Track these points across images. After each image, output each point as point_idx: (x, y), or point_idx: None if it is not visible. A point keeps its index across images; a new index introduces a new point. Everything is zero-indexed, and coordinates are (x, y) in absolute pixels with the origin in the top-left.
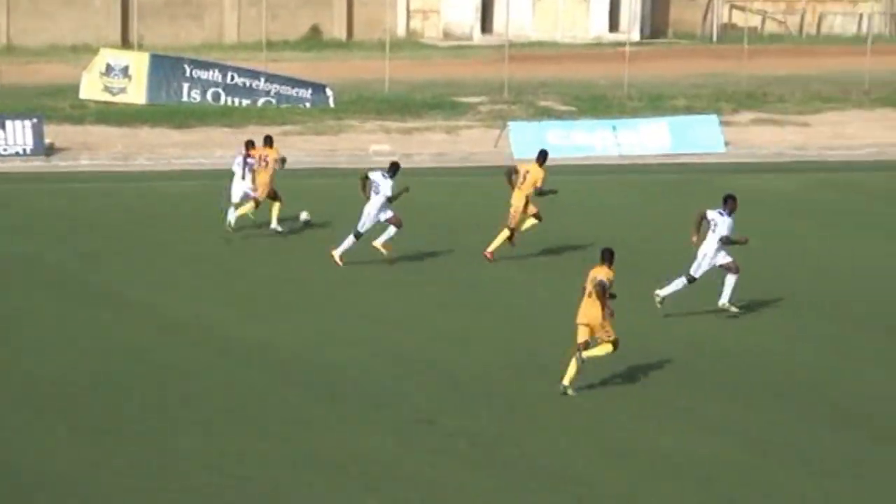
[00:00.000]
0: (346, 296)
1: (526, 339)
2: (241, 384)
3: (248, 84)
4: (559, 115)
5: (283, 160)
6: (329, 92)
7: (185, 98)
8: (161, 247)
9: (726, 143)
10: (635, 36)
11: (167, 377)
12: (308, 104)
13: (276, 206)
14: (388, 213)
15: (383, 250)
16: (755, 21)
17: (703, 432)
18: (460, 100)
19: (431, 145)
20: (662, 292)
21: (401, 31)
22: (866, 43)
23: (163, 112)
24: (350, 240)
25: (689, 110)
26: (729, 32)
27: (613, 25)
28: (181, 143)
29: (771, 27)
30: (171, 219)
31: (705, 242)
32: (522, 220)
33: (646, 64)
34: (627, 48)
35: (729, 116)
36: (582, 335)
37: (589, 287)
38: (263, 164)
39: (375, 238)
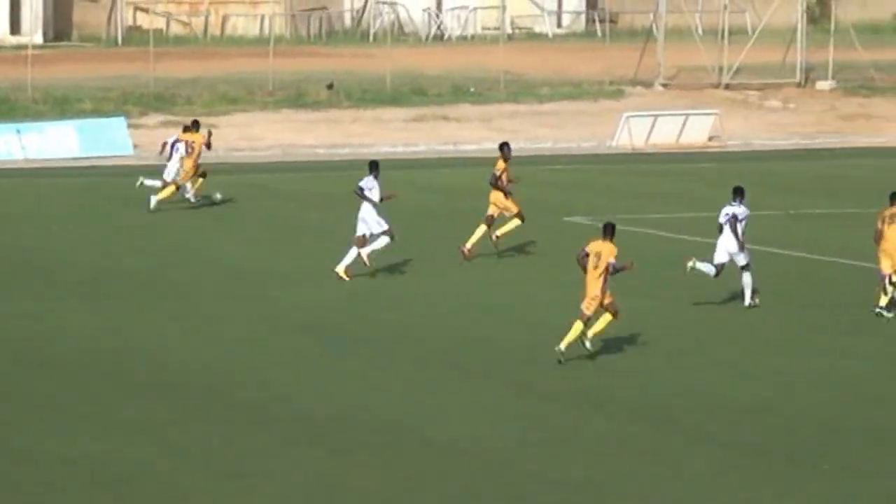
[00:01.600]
0: None
1: None
2: None
3: None
4: None
5: (209, 145)
6: None
7: None
8: None
9: (134, 146)
10: (38, 38)
11: None
12: None
13: (199, 181)
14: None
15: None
16: (160, 23)
17: (120, 436)
18: None
19: None
20: (748, 300)
21: None
22: (269, 44)
23: None
24: (384, 241)
25: (96, 113)
26: (134, 34)
27: (15, 28)
28: None
29: (176, 29)
30: None
31: (724, 235)
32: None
33: (50, 67)
34: (30, 51)
35: (137, 119)
36: (590, 308)
37: (594, 260)
38: (190, 149)
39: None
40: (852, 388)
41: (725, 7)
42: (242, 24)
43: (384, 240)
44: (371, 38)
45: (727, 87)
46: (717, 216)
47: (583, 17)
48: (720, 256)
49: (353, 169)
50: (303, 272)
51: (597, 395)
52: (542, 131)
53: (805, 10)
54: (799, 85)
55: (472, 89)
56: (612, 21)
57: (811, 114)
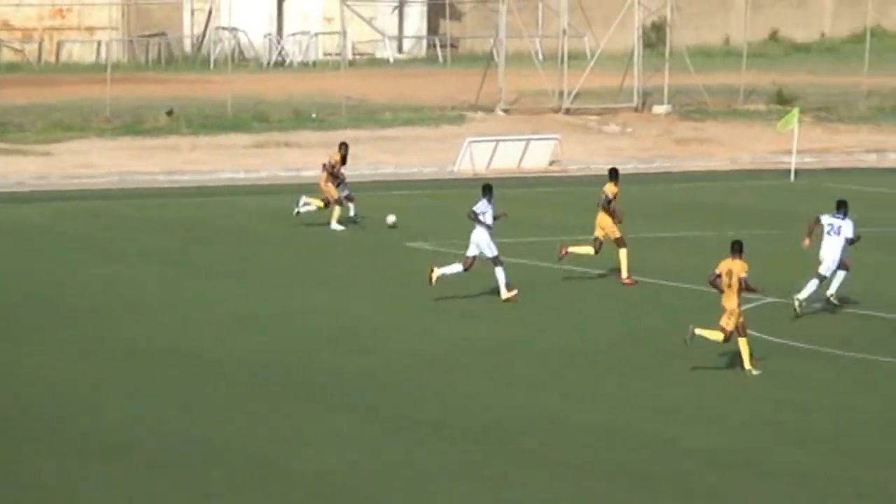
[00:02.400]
0: None
1: None
2: None
3: None
4: None
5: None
6: None
7: None
8: None
9: None
10: None
11: None
12: None
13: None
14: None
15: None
16: None
17: None
18: None
19: None
20: (801, 296)
21: None
22: (106, 71)
23: None
24: (457, 268)
25: None
26: None
27: None
28: None
29: (8, 56)
30: None
31: (827, 246)
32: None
33: None
34: None
35: None
36: (730, 324)
37: (726, 279)
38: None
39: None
40: (687, 411)
41: (564, 32)
42: (78, 50)
43: (457, 267)
44: (212, 64)
45: (567, 111)
46: (818, 221)
47: (424, 42)
48: (825, 268)
49: (193, 195)
50: (139, 300)
51: (439, 421)
52: (383, 157)
53: (641, 36)
54: (636, 109)
55: (313, 115)
56: (452, 46)
57: (648, 138)
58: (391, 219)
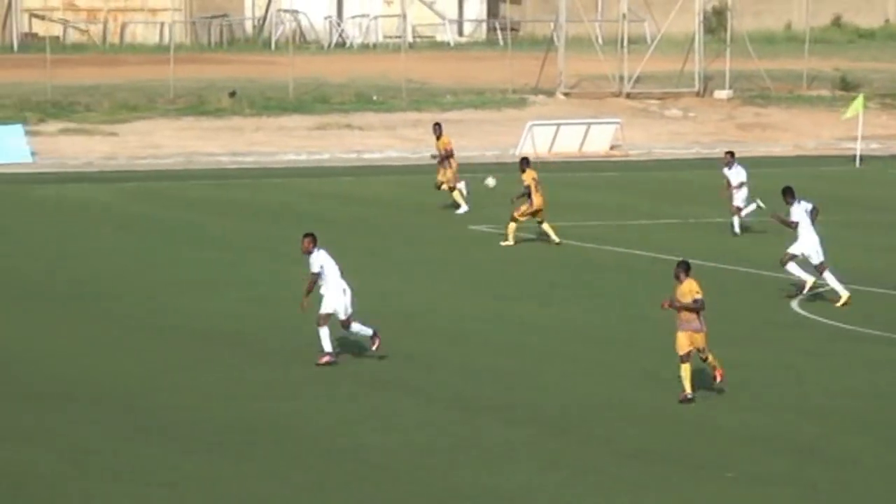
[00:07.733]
0: None
1: None
2: None
3: None
4: None
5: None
6: None
7: None
8: None
9: (33, 153)
10: None
11: None
12: None
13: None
14: None
15: None
16: (57, 30)
17: (14, 443)
18: None
19: None
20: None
21: None
22: (169, 51)
23: None
24: None
25: None
26: (31, 41)
27: None
28: None
29: (74, 36)
30: None
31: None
32: None
33: None
34: None
35: (35, 126)
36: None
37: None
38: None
39: None
40: (745, 395)
41: (624, 16)
42: (142, 31)
43: None
44: (273, 45)
45: (628, 95)
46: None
47: (484, 25)
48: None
49: (256, 177)
50: (202, 280)
51: (496, 404)
52: None
53: (702, 20)
54: (698, 94)
55: (375, 97)
56: (513, 29)
57: (710, 122)
58: (491, 181)
